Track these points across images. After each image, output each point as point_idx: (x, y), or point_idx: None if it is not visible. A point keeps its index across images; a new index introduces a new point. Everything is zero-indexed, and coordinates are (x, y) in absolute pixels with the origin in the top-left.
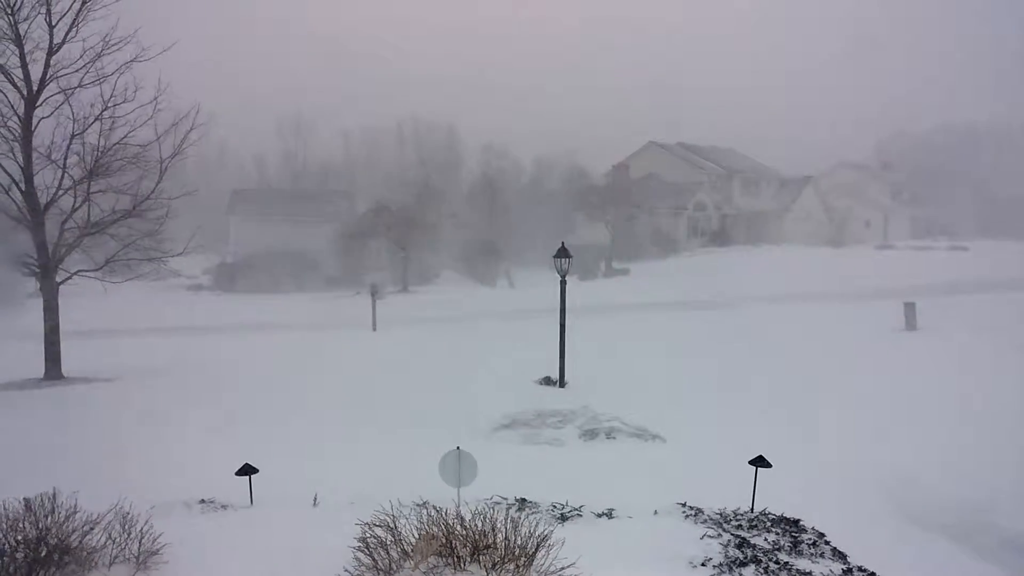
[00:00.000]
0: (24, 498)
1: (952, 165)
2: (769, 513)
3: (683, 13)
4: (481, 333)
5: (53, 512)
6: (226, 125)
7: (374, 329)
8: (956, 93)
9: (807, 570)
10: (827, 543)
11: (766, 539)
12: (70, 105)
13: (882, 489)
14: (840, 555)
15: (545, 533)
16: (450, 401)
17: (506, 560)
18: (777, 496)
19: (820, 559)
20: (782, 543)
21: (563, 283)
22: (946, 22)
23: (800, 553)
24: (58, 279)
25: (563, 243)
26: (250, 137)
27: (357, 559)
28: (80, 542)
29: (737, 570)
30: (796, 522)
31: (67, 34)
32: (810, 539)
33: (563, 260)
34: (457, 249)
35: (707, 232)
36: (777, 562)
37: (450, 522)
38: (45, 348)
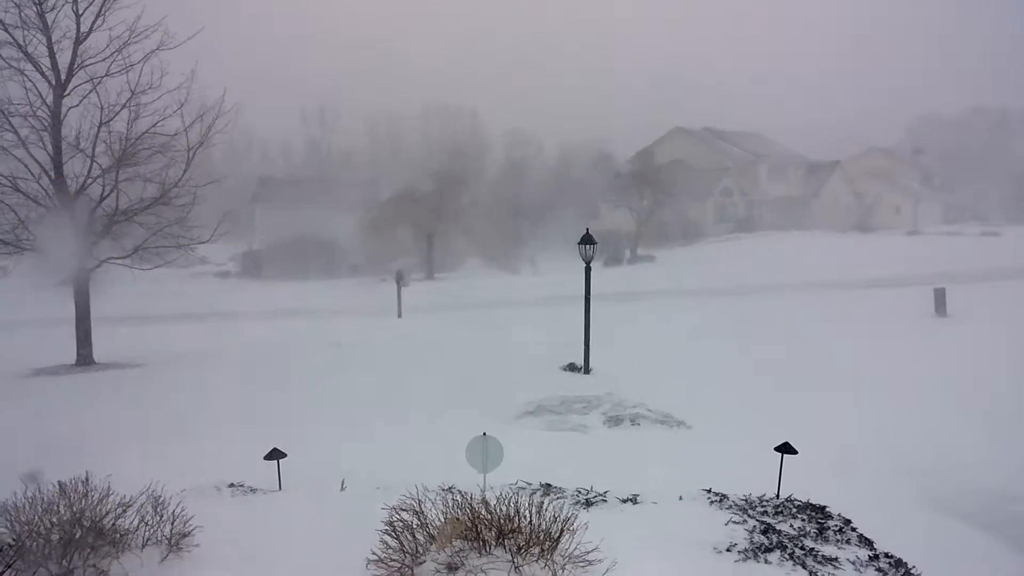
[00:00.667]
0: (58, 481)
1: (984, 149)
2: (795, 500)
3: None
4: (505, 320)
5: (87, 495)
6: (252, 113)
7: (399, 316)
8: (988, 77)
9: (833, 556)
10: (853, 530)
11: (792, 525)
12: (97, 93)
13: (910, 477)
14: (867, 542)
15: (569, 517)
16: (475, 387)
17: (531, 544)
18: (803, 483)
19: (846, 545)
20: (808, 529)
21: (588, 270)
22: (978, 5)
23: (826, 539)
24: (88, 266)
25: (588, 229)
26: (276, 125)
27: (384, 542)
28: (113, 524)
29: (762, 556)
30: (822, 508)
31: (94, 23)
32: (836, 525)
33: (588, 247)
34: (482, 236)
35: (733, 218)
36: (803, 548)
37: (475, 506)
38: (76, 334)
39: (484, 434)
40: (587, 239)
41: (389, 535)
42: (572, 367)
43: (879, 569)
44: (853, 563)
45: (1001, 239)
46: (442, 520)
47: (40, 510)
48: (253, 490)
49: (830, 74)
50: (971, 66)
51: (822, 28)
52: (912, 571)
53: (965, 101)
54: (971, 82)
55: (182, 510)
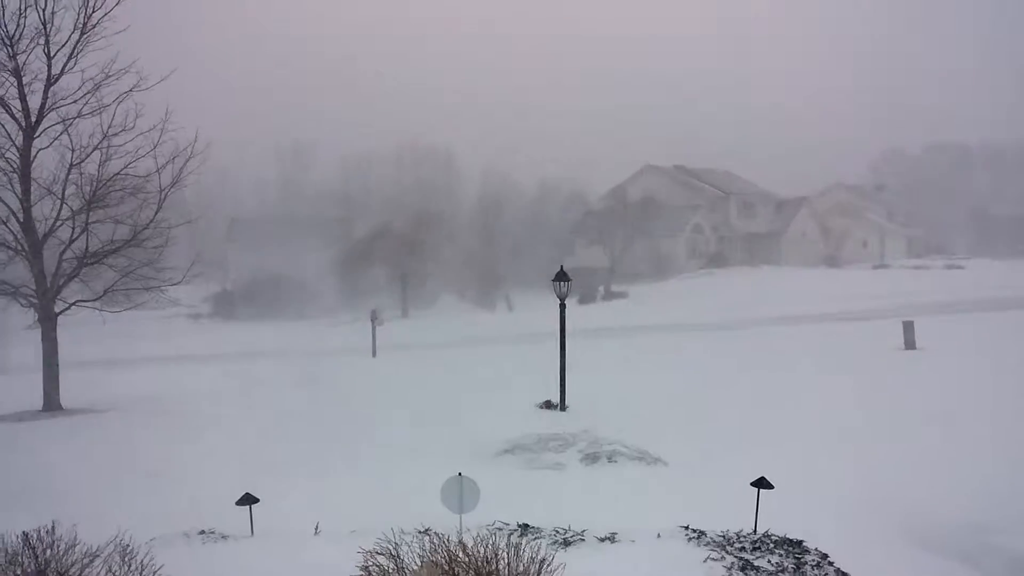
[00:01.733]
0: (23, 532)
1: (946, 184)
2: (772, 535)
3: (679, 35)
4: (481, 358)
5: (53, 545)
6: (224, 152)
7: (374, 355)
8: (948, 113)
9: None
10: (830, 564)
11: (769, 560)
12: (69, 135)
13: (886, 510)
14: None
15: (547, 558)
16: (451, 427)
17: None
18: (780, 517)
19: None
20: (785, 564)
21: (563, 306)
22: (936, 43)
23: (803, 574)
24: (56, 309)
25: (562, 266)
26: (248, 164)
27: None
28: (80, 575)
29: None
30: (799, 543)
31: (65, 65)
32: (813, 560)
33: (562, 283)
34: (456, 273)
35: (705, 254)
36: None
37: (452, 549)
38: (44, 379)
39: (460, 474)
40: (561, 276)
41: None
42: (548, 404)
43: None
44: None
45: (965, 272)
46: (419, 564)
47: (3, 562)
48: (224, 537)
49: (795, 108)
50: (932, 102)
51: (786, 63)
52: None
53: (927, 136)
54: (931, 117)
55: (151, 559)
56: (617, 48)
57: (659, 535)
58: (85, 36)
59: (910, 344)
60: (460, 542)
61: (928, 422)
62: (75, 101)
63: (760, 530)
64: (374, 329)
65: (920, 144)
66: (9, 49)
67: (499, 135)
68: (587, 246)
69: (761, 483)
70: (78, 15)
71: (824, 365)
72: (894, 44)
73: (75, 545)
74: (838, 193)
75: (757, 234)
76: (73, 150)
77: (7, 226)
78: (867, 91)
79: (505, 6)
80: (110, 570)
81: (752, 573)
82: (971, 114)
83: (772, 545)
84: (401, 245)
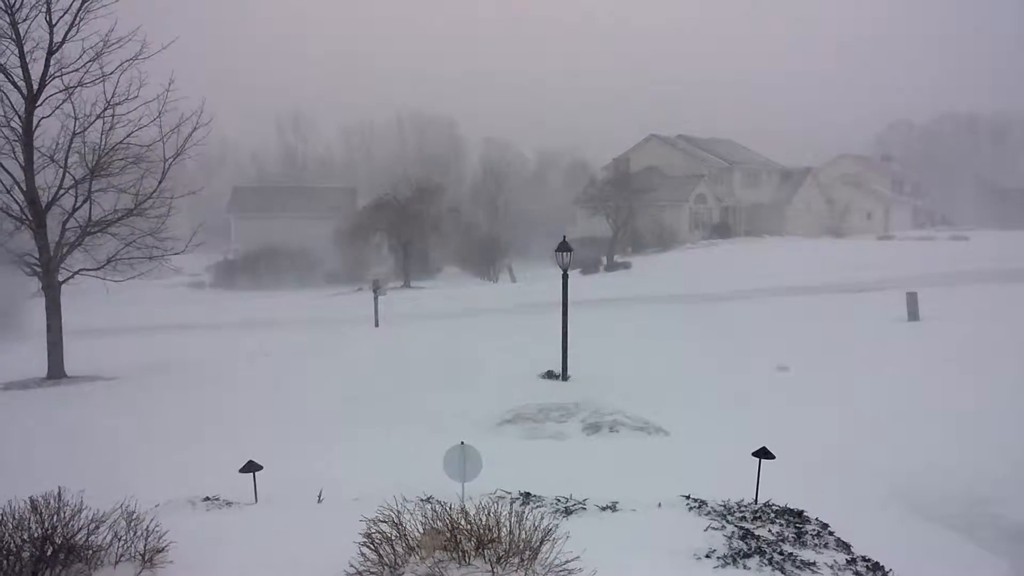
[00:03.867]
0: (30, 497)
1: (953, 155)
2: (773, 505)
3: (684, 9)
4: (483, 328)
5: (59, 511)
6: (227, 122)
7: (376, 325)
8: (957, 84)
9: (811, 560)
10: (831, 534)
11: (770, 530)
12: (72, 104)
13: (886, 481)
14: (844, 545)
15: (549, 527)
16: (453, 396)
17: (511, 554)
18: (781, 488)
19: (824, 550)
20: (786, 534)
21: (565, 277)
22: (946, 13)
23: (804, 544)
24: (60, 278)
25: (564, 237)
26: (250, 134)
27: (362, 554)
28: (86, 540)
29: (741, 561)
30: (800, 513)
31: (67, 33)
32: (814, 530)
33: (565, 254)
34: (459, 244)
35: (708, 225)
36: (781, 553)
37: (454, 517)
38: (48, 347)
39: (462, 443)
40: (563, 246)
41: (367, 547)
42: (550, 374)
43: (857, 573)
44: (831, 567)
45: (970, 243)
46: (421, 531)
47: (11, 527)
48: (228, 503)
49: (802, 78)
50: (943, 71)
51: (794, 34)
52: (890, 574)
53: (935, 107)
54: (941, 87)
55: (156, 525)
56: (623, 25)
57: (660, 504)
58: (86, 4)
59: (913, 315)
60: (462, 510)
61: (930, 393)
62: (76, 70)
63: (761, 500)
64: (376, 299)
65: (928, 115)
66: (10, 17)
67: (502, 107)
68: (590, 216)
69: (762, 453)
70: None
71: (826, 336)
72: (901, 16)
73: (81, 511)
74: (844, 164)
75: (761, 205)
76: (76, 118)
77: (11, 195)
78: (873, 64)
79: None
80: (116, 535)
81: (752, 542)
82: (979, 85)
83: (773, 515)
84: (403, 215)
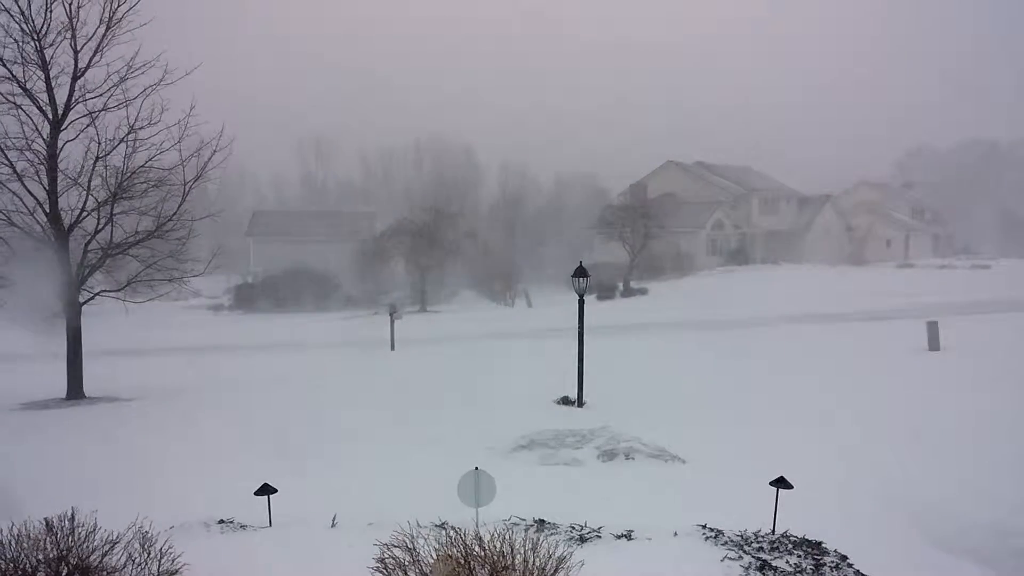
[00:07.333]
0: (45, 518)
1: (974, 183)
2: (791, 535)
3: (700, 34)
4: (499, 353)
5: (73, 532)
6: (247, 147)
7: (392, 349)
8: (978, 111)
9: None
10: (850, 566)
11: (787, 561)
12: (95, 128)
13: (906, 512)
14: None
15: (564, 555)
16: (468, 421)
17: None
18: (799, 518)
19: None
20: (804, 565)
21: (581, 302)
22: (968, 40)
23: None
24: (81, 299)
25: (581, 262)
26: (270, 159)
27: None
28: (100, 562)
29: None
30: (818, 544)
31: (92, 58)
32: (832, 562)
33: (581, 279)
34: (475, 268)
35: (726, 251)
36: None
37: (469, 543)
38: (67, 368)
39: (476, 469)
40: (580, 272)
41: (380, 572)
42: (566, 400)
43: None
44: None
45: (992, 272)
46: (435, 557)
47: (26, 547)
48: (243, 526)
49: (820, 107)
50: (963, 99)
51: (812, 60)
52: None
53: (956, 134)
54: (962, 115)
55: (170, 547)
56: (638, 48)
57: (676, 533)
58: (110, 30)
59: (934, 345)
60: (476, 536)
61: (949, 423)
62: (100, 95)
63: (779, 530)
64: (392, 323)
65: (949, 141)
66: (37, 43)
67: (517, 131)
68: (606, 242)
69: (780, 483)
70: (103, 9)
71: (846, 366)
72: (922, 42)
73: (95, 532)
74: (863, 191)
75: (779, 232)
76: (99, 143)
77: (34, 217)
78: (893, 90)
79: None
80: (130, 557)
81: (770, 573)
82: (1001, 112)
83: (791, 546)
84: (420, 240)
